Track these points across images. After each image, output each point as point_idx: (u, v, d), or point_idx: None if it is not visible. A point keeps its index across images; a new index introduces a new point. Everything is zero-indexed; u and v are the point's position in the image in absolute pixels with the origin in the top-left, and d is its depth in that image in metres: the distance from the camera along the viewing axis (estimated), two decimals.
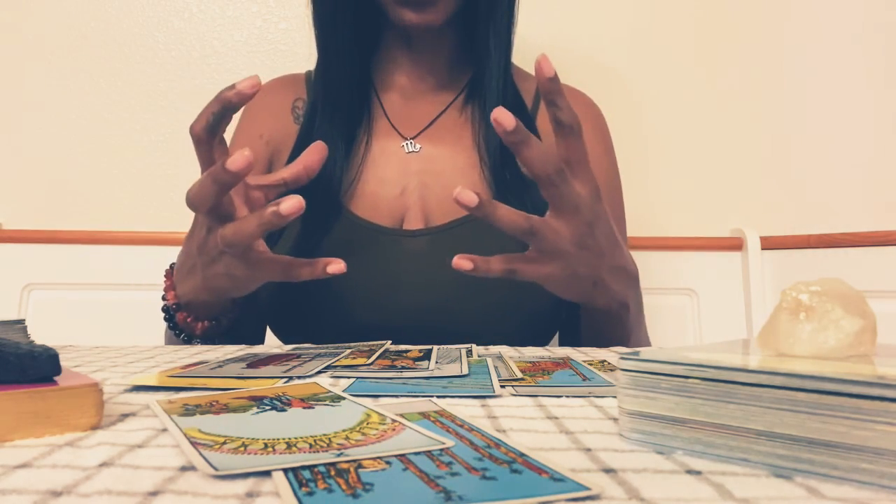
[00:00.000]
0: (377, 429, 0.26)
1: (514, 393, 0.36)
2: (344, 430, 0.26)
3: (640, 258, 0.81)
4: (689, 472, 0.23)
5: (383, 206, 0.70)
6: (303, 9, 0.76)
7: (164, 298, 0.63)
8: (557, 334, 0.81)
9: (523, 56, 0.84)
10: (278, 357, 0.48)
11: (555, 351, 0.55)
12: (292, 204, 0.47)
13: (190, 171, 1.01)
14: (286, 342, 0.72)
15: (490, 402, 0.34)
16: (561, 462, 0.23)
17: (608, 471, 0.22)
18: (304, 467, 0.21)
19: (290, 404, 0.31)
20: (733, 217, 1.13)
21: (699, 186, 1.14)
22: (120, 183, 1.13)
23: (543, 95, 0.50)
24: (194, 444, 0.24)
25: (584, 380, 0.39)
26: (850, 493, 0.20)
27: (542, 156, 0.48)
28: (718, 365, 0.24)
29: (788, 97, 1.15)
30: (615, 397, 0.27)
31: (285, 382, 0.39)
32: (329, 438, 0.25)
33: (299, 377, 0.40)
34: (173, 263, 0.63)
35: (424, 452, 0.23)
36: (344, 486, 0.20)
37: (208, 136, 0.50)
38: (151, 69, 1.13)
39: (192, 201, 0.50)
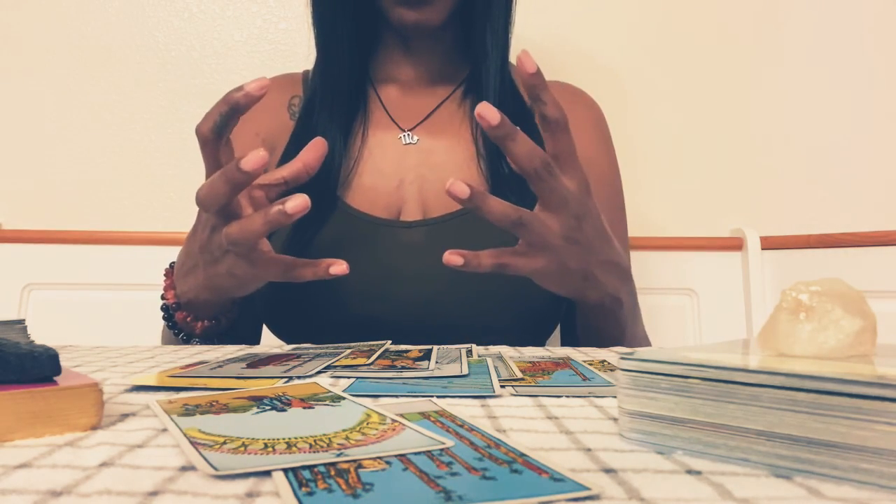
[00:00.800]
0: (377, 429, 0.26)
1: (514, 393, 0.36)
2: (344, 430, 0.26)
3: (640, 258, 0.81)
4: (689, 472, 0.23)
5: (380, 198, 0.70)
6: (303, 8, 0.76)
7: (163, 298, 0.63)
8: (559, 331, 0.81)
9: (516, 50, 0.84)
10: (278, 357, 0.48)
11: (555, 351, 0.55)
12: (298, 203, 0.47)
13: (190, 171, 1.01)
14: (282, 337, 0.72)
15: (490, 402, 0.34)
16: (561, 462, 0.23)
17: (608, 471, 0.22)
18: (304, 467, 0.21)
19: (290, 404, 0.31)
20: (733, 217, 1.13)
21: (699, 186, 1.14)
22: (120, 183, 1.13)
23: (528, 91, 0.50)
24: (194, 444, 0.24)
25: (584, 380, 0.39)
26: (850, 493, 0.20)
27: (528, 150, 0.49)
28: (718, 365, 0.24)
29: (789, 97, 1.15)
30: (615, 397, 0.27)
31: (285, 382, 0.39)
32: (329, 438, 0.25)
33: (299, 377, 0.40)
34: (173, 262, 0.63)
35: (424, 452, 0.23)
36: (344, 486, 0.20)
37: (215, 136, 0.50)
38: (151, 69, 1.13)
39: (203, 201, 0.50)
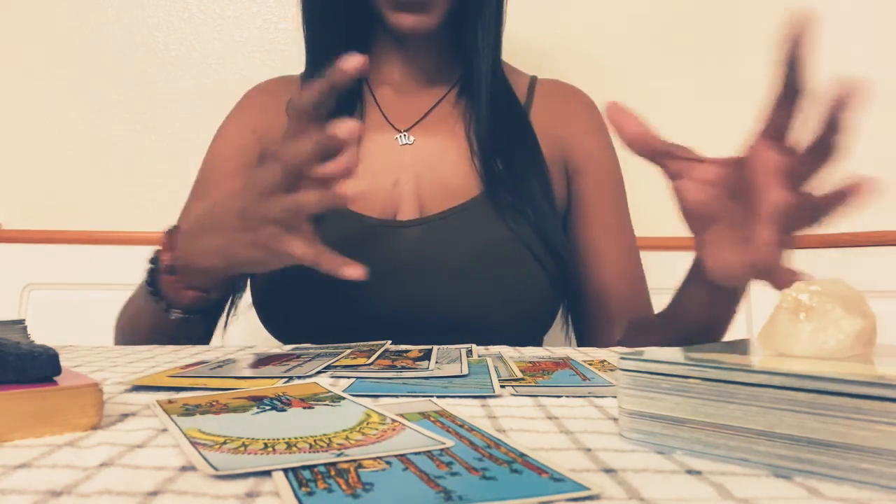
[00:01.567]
0: (377, 429, 0.26)
1: (514, 393, 0.36)
2: (344, 430, 0.26)
3: (641, 258, 0.81)
4: (689, 472, 0.23)
5: (376, 198, 0.70)
6: (300, 11, 0.76)
7: (153, 262, 0.60)
8: (572, 333, 0.81)
9: (521, 53, 0.84)
10: (278, 357, 0.48)
11: (555, 351, 0.55)
12: (350, 189, 0.49)
13: (190, 170, 1.01)
14: (280, 337, 0.71)
15: (490, 402, 0.34)
16: (561, 462, 0.23)
17: (608, 471, 0.22)
18: (304, 467, 0.21)
19: (290, 404, 0.31)
20: None
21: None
22: (120, 183, 1.13)
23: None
24: (194, 444, 0.24)
25: (584, 380, 0.39)
26: (850, 493, 0.20)
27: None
28: (718, 365, 0.24)
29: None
30: (615, 397, 0.27)
31: (285, 382, 0.39)
32: (329, 438, 0.25)
33: (299, 377, 0.40)
34: (176, 225, 0.61)
35: (424, 452, 0.23)
36: (344, 486, 0.20)
37: (311, 111, 0.49)
38: (151, 69, 1.13)
39: (297, 101, 0.50)
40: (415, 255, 0.67)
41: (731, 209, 0.47)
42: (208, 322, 0.69)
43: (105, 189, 1.13)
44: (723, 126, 1.15)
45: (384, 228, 0.69)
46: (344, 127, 0.47)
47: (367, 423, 0.27)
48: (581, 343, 0.80)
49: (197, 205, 0.58)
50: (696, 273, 0.56)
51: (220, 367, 0.44)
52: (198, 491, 0.20)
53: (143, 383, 0.38)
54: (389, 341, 0.59)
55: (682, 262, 1.09)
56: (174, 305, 0.60)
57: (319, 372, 0.42)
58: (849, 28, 1.13)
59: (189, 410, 0.30)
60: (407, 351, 0.53)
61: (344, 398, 0.32)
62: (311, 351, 0.53)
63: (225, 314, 0.77)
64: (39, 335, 0.44)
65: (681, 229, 1.07)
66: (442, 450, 0.24)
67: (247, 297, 0.75)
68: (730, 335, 1.07)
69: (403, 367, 0.43)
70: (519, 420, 0.30)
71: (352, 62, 0.47)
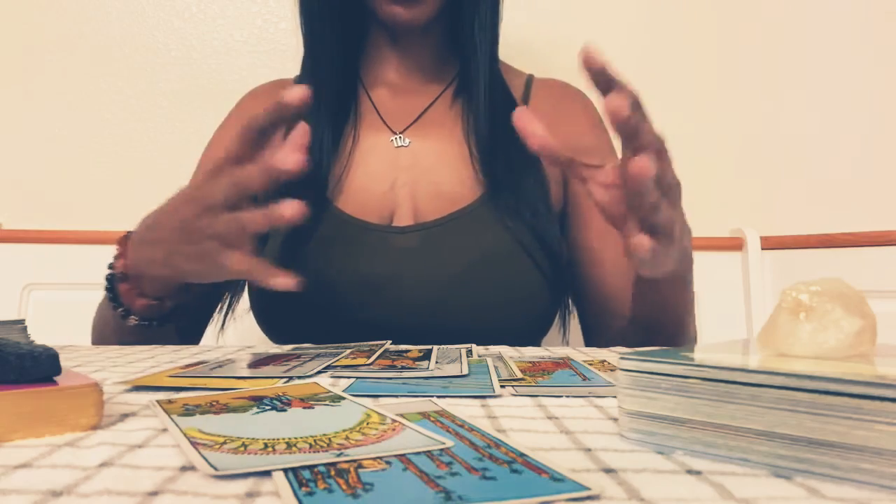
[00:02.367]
0: (377, 429, 0.26)
1: (514, 393, 0.36)
2: (344, 430, 0.26)
3: None
4: (689, 472, 0.23)
5: (372, 201, 0.70)
6: (297, 9, 0.76)
7: (110, 267, 0.60)
8: (577, 332, 0.81)
9: (518, 53, 0.84)
10: (278, 357, 0.48)
11: (555, 351, 0.55)
12: (295, 211, 0.47)
13: (190, 171, 1.01)
14: (276, 342, 0.71)
15: (490, 402, 0.34)
16: (561, 462, 0.23)
17: (608, 471, 0.22)
18: (304, 467, 0.21)
19: (290, 404, 0.31)
20: (733, 217, 1.13)
21: (699, 186, 1.14)
22: (120, 183, 1.13)
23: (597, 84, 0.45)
24: (194, 444, 0.24)
25: (584, 380, 0.39)
26: (850, 493, 0.20)
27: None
28: (718, 365, 0.24)
29: (788, 97, 1.14)
30: (615, 397, 0.27)
31: (285, 382, 0.39)
32: (329, 438, 0.25)
33: (299, 377, 0.40)
34: (130, 232, 0.59)
35: (424, 452, 0.23)
36: (344, 486, 0.20)
37: (257, 135, 0.49)
38: (151, 69, 1.13)
39: (249, 122, 0.49)
40: (410, 262, 0.66)
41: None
42: (180, 327, 0.67)
43: (105, 189, 1.13)
44: (723, 126, 1.15)
45: (379, 233, 0.68)
46: (293, 94, 0.46)
47: (367, 424, 0.27)
48: (589, 343, 0.80)
49: (149, 214, 0.57)
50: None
51: (219, 367, 0.44)
52: (198, 491, 0.20)
53: (143, 383, 0.38)
54: (389, 341, 0.59)
55: None
56: (131, 312, 0.59)
57: (319, 372, 0.42)
58: (849, 27, 1.13)
59: (189, 410, 0.30)
60: (407, 351, 0.53)
61: (344, 398, 0.32)
62: (311, 351, 0.53)
63: (223, 316, 0.77)
64: (39, 335, 0.44)
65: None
66: (442, 450, 0.24)
67: (244, 301, 0.75)
68: (730, 334, 1.07)
69: (403, 367, 0.43)
70: (519, 420, 0.30)
71: (294, 95, 0.47)
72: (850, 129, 1.12)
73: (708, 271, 1.10)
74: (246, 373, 0.41)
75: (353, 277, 0.66)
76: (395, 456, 0.23)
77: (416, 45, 0.76)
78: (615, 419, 0.29)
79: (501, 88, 0.76)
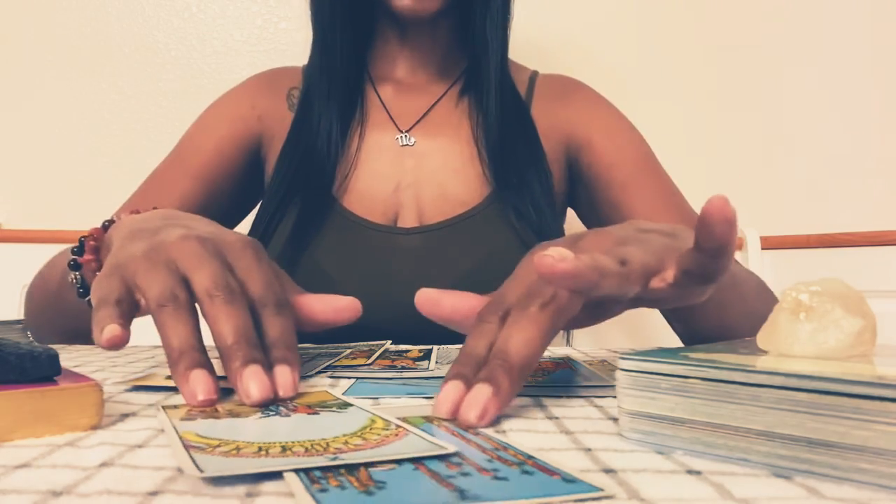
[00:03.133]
0: (379, 434, 0.26)
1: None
2: (344, 435, 0.25)
3: None
4: (689, 472, 0.23)
5: (377, 202, 0.70)
6: (302, 9, 0.76)
7: (75, 252, 0.50)
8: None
9: (520, 49, 0.84)
10: None
11: (555, 351, 0.55)
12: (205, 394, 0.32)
13: None
14: None
15: None
16: (561, 462, 0.23)
17: (608, 471, 0.22)
18: (297, 470, 0.21)
19: (295, 410, 0.30)
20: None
21: (699, 186, 1.14)
22: (120, 183, 1.13)
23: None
24: (187, 446, 0.24)
25: (584, 380, 0.39)
26: (850, 493, 0.20)
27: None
28: (718, 365, 0.24)
29: (788, 96, 1.14)
30: (615, 397, 0.27)
31: None
32: (327, 443, 0.24)
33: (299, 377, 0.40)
34: (109, 221, 0.50)
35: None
36: (356, 484, 0.20)
37: None
38: (151, 69, 1.13)
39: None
40: (413, 265, 0.66)
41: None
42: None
43: (105, 189, 1.13)
44: (722, 126, 1.15)
45: (384, 234, 0.68)
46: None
47: (370, 429, 0.26)
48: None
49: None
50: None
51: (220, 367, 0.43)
52: (198, 491, 0.20)
53: (143, 383, 0.38)
54: (389, 341, 0.59)
55: None
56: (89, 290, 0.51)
57: (319, 372, 0.42)
58: (849, 27, 1.13)
59: (192, 415, 0.29)
60: (407, 351, 0.53)
61: (352, 405, 0.31)
62: (311, 351, 0.53)
63: None
64: None
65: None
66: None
67: None
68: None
69: (403, 367, 0.43)
70: (519, 420, 0.30)
71: (108, 337, 0.33)
72: (849, 128, 1.12)
73: None
74: None
75: (356, 278, 0.66)
76: (398, 460, 0.22)
77: (424, 40, 0.75)
78: (615, 419, 0.29)
79: (509, 86, 0.75)
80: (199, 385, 0.32)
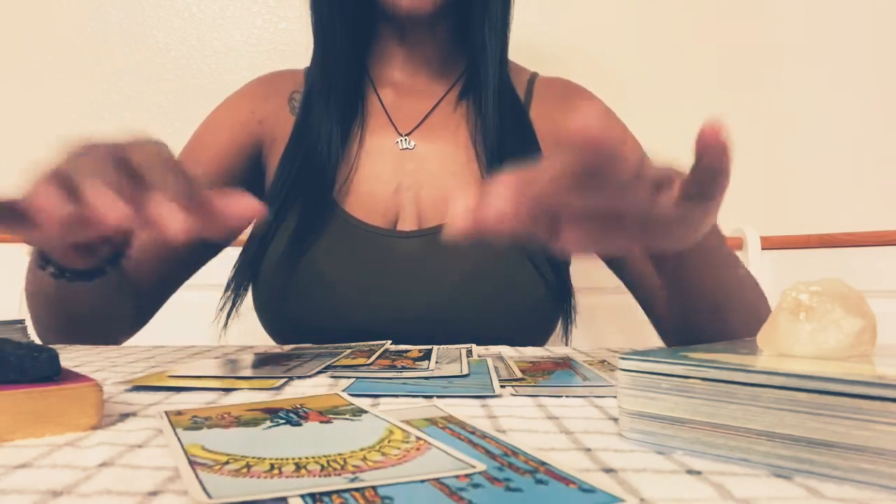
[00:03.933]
0: (399, 448, 0.24)
1: (514, 393, 0.36)
2: (362, 450, 0.24)
3: None
4: (689, 472, 0.23)
5: (377, 205, 0.70)
6: (302, 9, 0.76)
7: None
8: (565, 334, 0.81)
9: (518, 51, 0.84)
10: (278, 357, 0.48)
11: (555, 351, 0.55)
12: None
13: None
14: (279, 342, 0.71)
15: (490, 402, 0.34)
16: (561, 462, 0.23)
17: (608, 471, 0.22)
18: (310, 495, 0.19)
19: (306, 418, 0.29)
20: (733, 217, 1.13)
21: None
22: None
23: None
24: (193, 463, 0.22)
25: (584, 380, 0.39)
26: (850, 493, 0.20)
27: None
28: (718, 365, 0.24)
29: (788, 96, 1.14)
30: (615, 397, 0.27)
31: (285, 382, 0.39)
32: (344, 459, 0.23)
33: (299, 377, 0.40)
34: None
35: None
36: (361, 501, 0.19)
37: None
38: (151, 69, 1.13)
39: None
40: (413, 267, 0.66)
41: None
42: (129, 291, 0.64)
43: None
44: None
45: (383, 237, 0.68)
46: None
47: (389, 442, 0.25)
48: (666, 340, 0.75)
49: None
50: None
51: (220, 366, 0.44)
52: None
53: (143, 383, 0.38)
54: (389, 341, 0.59)
55: None
56: (49, 261, 0.55)
57: (319, 372, 0.42)
58: (849, 27, 1.13)
59: (197, 423, 0.28)
60: (407, 351, 0.53)
61: (366, 412, 0.30)
62: (311, 351, 0.53)
63: (226, 315, 0.77)
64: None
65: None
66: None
67: (247, 301, 0.75)
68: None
69: (403, 367, 0.43)
70: (519, 420, 0.30)
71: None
72: (850, 128, 1.12)
73: None
74: (246, 373, 0.41)
75: (356, 281, 0.66)
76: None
77: (423, 42, 0.75)
78: (615, 419, 0.29)
79: (508, 90, 0.75)
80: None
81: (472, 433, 0.26)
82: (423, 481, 0.20)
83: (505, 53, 0.74)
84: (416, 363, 0.45)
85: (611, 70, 1.13)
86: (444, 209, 0.70)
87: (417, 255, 0.67)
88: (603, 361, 0.47)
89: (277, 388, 0.37)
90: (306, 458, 0.23)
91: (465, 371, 0.41)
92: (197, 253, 0.75)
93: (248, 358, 0.48)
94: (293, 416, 0.29)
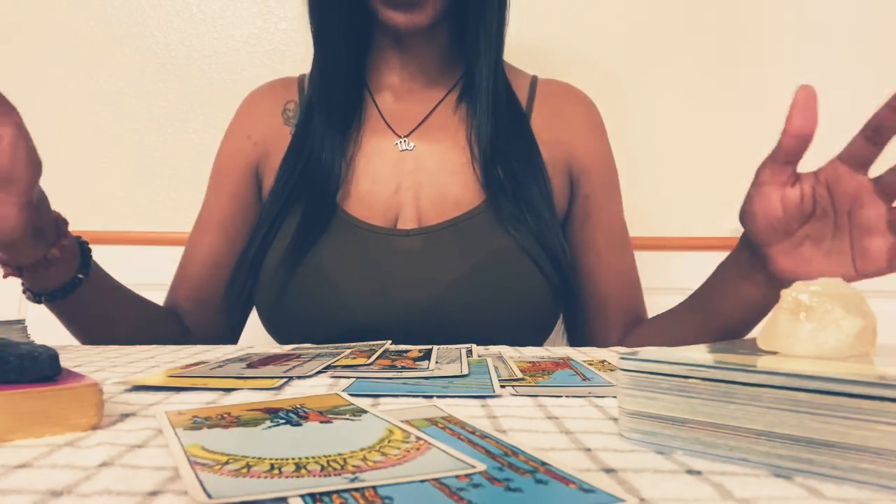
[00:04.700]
0: (399, 448, 0.24)
1: (514, 393, 0.36)
2: (362, 450, 0.24)
3: (640, 258, 0.80)
4: (689, 472, 0.23)
5: (377, 205, 0.70)
6: (302, 9, 0.76)
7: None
8: (563, 331, 0.81)
9: (519, 53, 0.84)
10: (278, 357, 0.48)
11: (555, 351, 0.55)
12: None
13: (190, 171, 1.01)
14: (281, 342, 0.71)
15: (490, 402, 0.34)
16: (561, 462, 0.23)
17: (608, 471, 0.22)
18: (311, 495, 0.19)
19: (306, 418, 0.29)
20: (733, 217, 1.13)
21: (698, 186, 1.14)
22: (120, 183, 1.13)
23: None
24: (193, 463, 0.22)
25: (584, 380, 0.39)
26: (850, 493, 0.20)
27: None
28: (718, 365, 0.24)
29: (787, 96, 1.14)
30: (615, 397, 0.27)
31: (285, 382, 0.39)
32: (344, 459, 0.23)
33: (299, 377, 0.40)
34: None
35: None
36: (361, 500, 0.19)
37: None
38: (151, 69, 1.13)
39: None
40: (413, 265, 0.67)
41: (814, 225, 0.56)
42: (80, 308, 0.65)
43: (104, 189, 1.13)
44: (723, 126, 1.15)
45: (384, 236, 0.68)
46: None
47: (389, 442, 0.25)
48: (573, 344, 0.80)
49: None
50: (751, 277, 0.60)
51: (220, 367, 0.44)
52: None
53: (143, 383, 0.38)
54: (389, 341, 0.59)
55: (681, 262, 1.09)
56: (28, 288, 0.60)
57: (319, 372, 0.42)
58: (848, 27, 1.13)
59: (197, 423, 0.28)
60: (407, 351, 0.53)
61: (366, 412, 0.30)
62: (311, 351, 0.53)
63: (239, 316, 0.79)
64: (39, 335, 0.44)
65: (680, 230, 1.06)
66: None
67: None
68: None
69: (403, 367, 0.43)
70: (519, 420, 0.30)
71: None
72: (849, 129, 1.11)
73: (708, 271, 1.10)
74: (246, 373, 0.41)
75: (357, 280, 0.66)
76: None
77: (420, 49, 0.76)
78: (615, 419, 0.29)
79: (506, 93, 0.76)
80: None
81: (472, 433, 0.26)
82: (423, 481, 0.20)
83: (500, 59, 0.75)
84: (416, 363, 0.45)
85: (610, 72, 1.14)
86: (444, 208, 0.70)
87: (418, 253, 0.67)
88: (603, 361, 0.47)
89: (277, 388, 0.37)
90: (306, 458, 0.23)
91: (465, 371, 0.41)
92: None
93: (248, 358, 0.48)
94: (293, 416, 0.29)
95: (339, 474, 0.21)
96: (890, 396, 0.20)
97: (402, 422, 0.28)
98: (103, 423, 0.28)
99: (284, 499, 0.19)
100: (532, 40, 1.12)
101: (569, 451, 0.25)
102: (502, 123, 0.73)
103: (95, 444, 0.25)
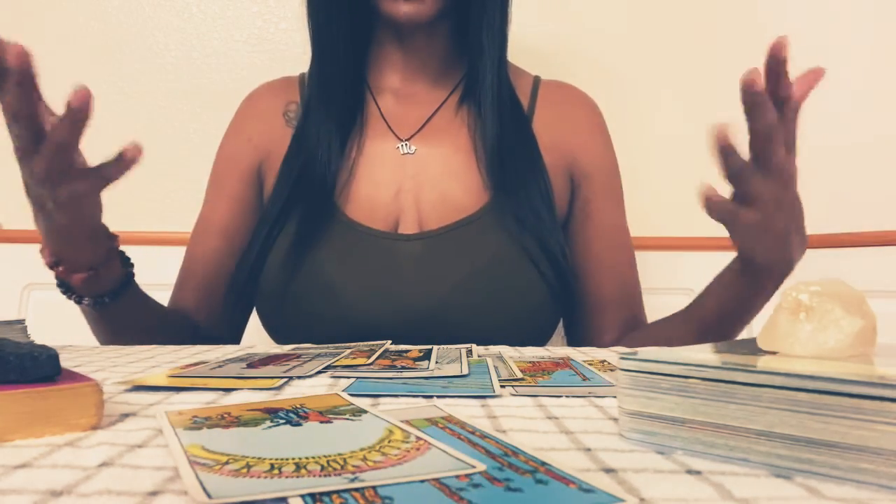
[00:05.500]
0: (399, 448, 0.24)
1: (514, 393, 0.36)
2: (362, 450, 0.24)
3: (640, 258, 0.80)
4: (689, 472, 0.23)
5: (378, 209, 0.70)
6: (302, 9, 0.76)
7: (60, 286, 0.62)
8: (563, 332, 0.81)
9: (519, 53, 0.84)
10: (278, 357, 0.48)
11: (555, 351, 0.55)
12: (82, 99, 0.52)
13: (190, 170, 1.01)
14: (282, 344, 0.71)
15: (490, 402, 0.34)
16: (561, 462, 0.23)
17: (608, 471, 0.22)
18: (311, 495, 0.19)
19: (306, 418, 0.29)
20: None
21: (699, 186, 1.14)
22: (119, 183, 1.13)
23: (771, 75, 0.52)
24: (193, 463, 0.22)
25: (584, 380, 0.39)
26: (850, 493, 0.20)
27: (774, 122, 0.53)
28: (718, 365, 0.24)
29: None
30: (615, 397, 0.27)
31: (285, 382, 0.39)
32: (344, 459, 0.23)
33: (299, 377, 0.40)
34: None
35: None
36: (361, 501, 0.19)
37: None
38: (151, 69, 1.13)
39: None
40: (414, 270, 0.66)
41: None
42: (136, 309, 0.67)
43: (105, 188, 1.13)
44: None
45: (384, 241, 0.68)
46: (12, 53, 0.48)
47: (389, 442, 0.25)
48: (572, 344, 0.80)
49: None
50: (735, 266, 0.61)
51: (220, 367, 0.44)
52: None
53: (143, 383, 0.38)
54: (389, 341, 0.59)
55: (681, 263, 1.09)
56: (81, 293, 0.61)
57: (319, 372, 0.42)
58: (848, 27, 1.13)
59: (197, 423, 0.28)
60: (407, 351, 0.53)
61: (366, 412, 0.30)
62: (311, 351, 0.53)
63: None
64: (39, 335, 0.44)
65: (681, 230, 1.06)
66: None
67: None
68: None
69: (403, 367, 0.43)
70: (519, 420, 0.30)
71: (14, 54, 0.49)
72: (849, 129, 1.11)
73: (708, 271, 1.10)
74: (246, 373, 0.41)
75: (358, 283, 0.66)
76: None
77: (421, 46, 0.75)
78: (615, 419, 0.29)
79: (509, 93, 0.75)
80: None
81: (472, 433, 0.26)
82: (423, 481, 0.20)
83: (503, 57, 0.74)
84: (416, 363, 0.45)
85: (612, 72, 1.13)
86: (445, 212, 0.70)
87: (418, 256, 0.67)
88: (603, 361, 0.47)
89: (277, 388, 0.37)
90: (306, 458, 0.23)
91: (465, 371, 0.41)
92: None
93: (248, 358, 0.48)
94: (293, 416, 0.29)
95: (339, 474, 0.21)
96: (890, 396, 0.20)
97: (402, 422, 0.28)
98: (103, 423, 0.28)
99: (284, 499, 0.19)
100: (532, 40, 1.12)
101: (569, 451, 0.25)
102: (506, 125, 0.73)
103: (95, 444, 0.25)
